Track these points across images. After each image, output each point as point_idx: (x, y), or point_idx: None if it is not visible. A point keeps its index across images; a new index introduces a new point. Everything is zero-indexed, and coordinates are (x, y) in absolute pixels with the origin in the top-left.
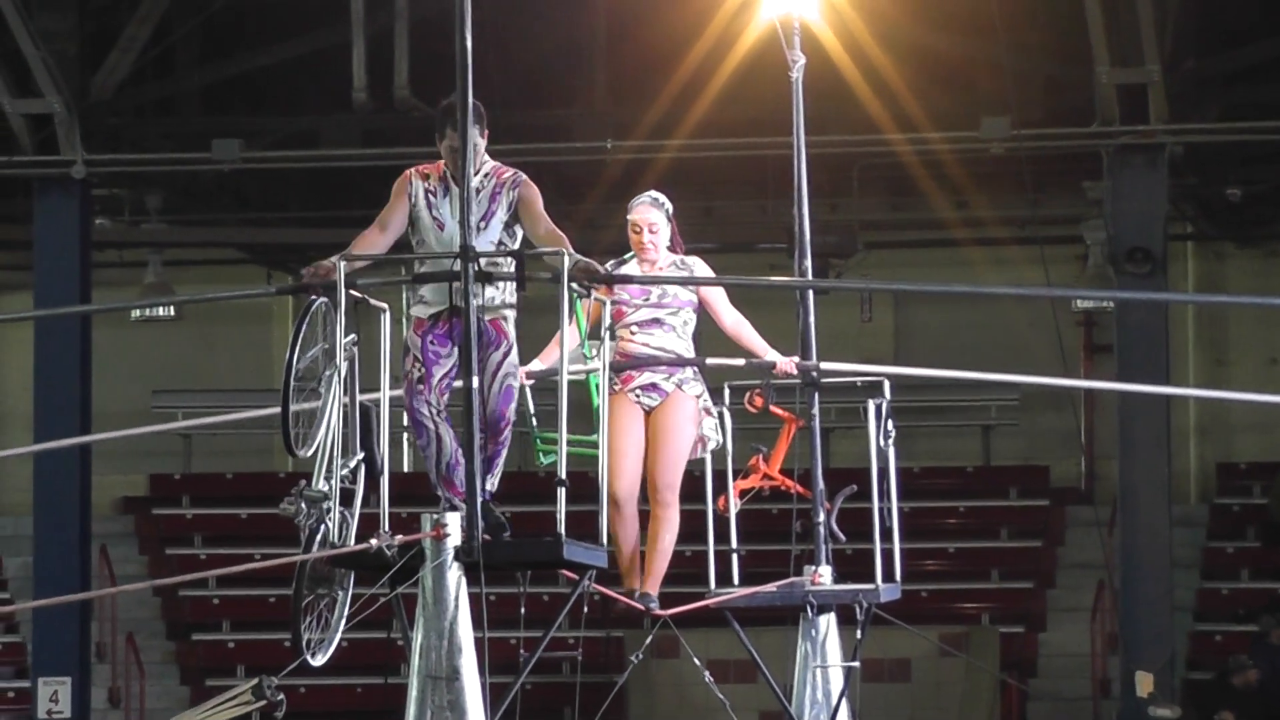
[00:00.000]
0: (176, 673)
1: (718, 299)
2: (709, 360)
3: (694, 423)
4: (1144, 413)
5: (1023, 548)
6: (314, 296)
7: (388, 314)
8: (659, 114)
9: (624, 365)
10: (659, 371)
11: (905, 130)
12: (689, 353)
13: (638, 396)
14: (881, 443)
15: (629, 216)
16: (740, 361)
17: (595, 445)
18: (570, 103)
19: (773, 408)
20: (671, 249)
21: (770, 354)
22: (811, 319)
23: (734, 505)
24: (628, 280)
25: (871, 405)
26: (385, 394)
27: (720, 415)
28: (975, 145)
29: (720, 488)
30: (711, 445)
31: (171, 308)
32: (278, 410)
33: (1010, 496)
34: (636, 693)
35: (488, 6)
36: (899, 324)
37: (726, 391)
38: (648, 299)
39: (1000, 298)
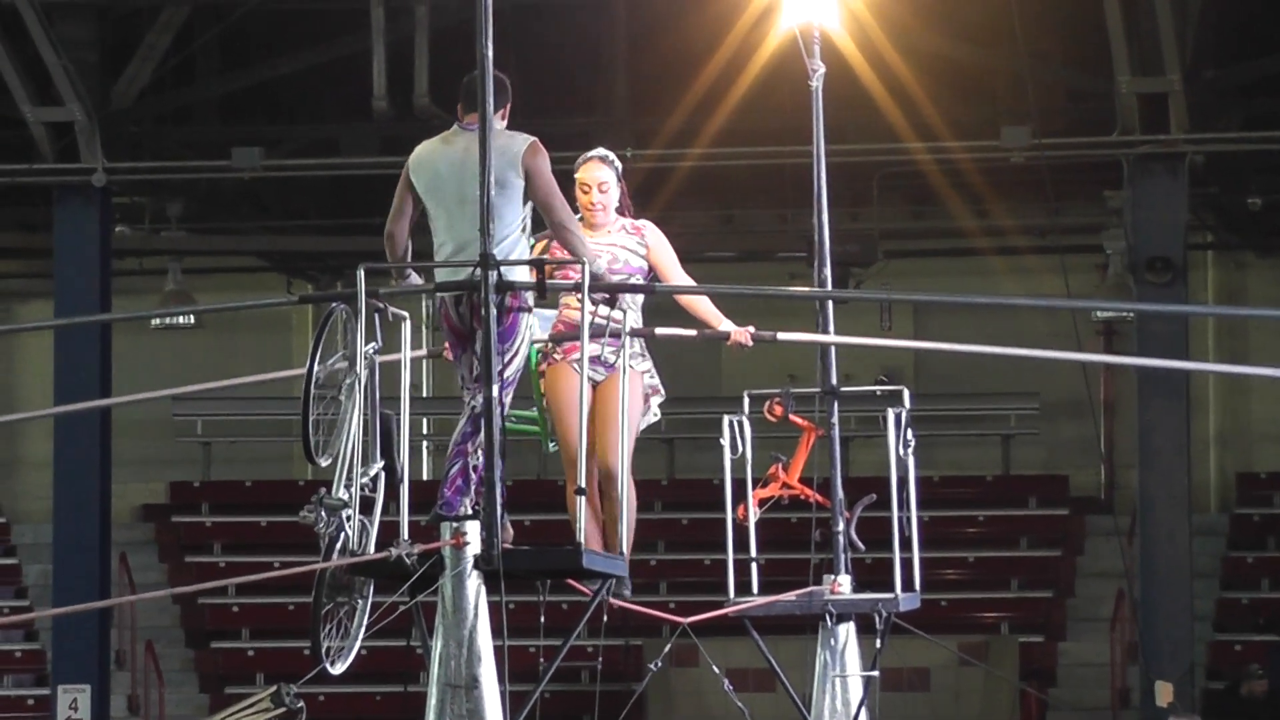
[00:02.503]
0: (196, 680)
1: (670, 265)
2: (659, 330)
3: (641, 399)
4: (1164, 422)
5: (1042, 557)
6: (334, 304)
7: (408, 322)
8: (679, 123)
9: (564, 336)
10: (605, 344)
11: (925, 139)
12: (637, 324)
13: (580, 369)
14: (901, 452)
15: (576, 175)
16: (693, 332)
17: (534, 422)
18: (590, 111)
19: (792, 416)
20: (621, 211)
21: (725, 324)
22: (831, 328)
23: (753, 514)
24: (648, 290)
25: (891, 414)
26: (405, 401)
27: (739, 424)
28: (996, 154)
29: (739, 496)
30: (649, 420)
31: (192, 315)
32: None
33: (1030, 506)
34: (655, 701)
35: (508, 15)
36: (918, 333)
37: (746, 400)
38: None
39: (1020, 307)
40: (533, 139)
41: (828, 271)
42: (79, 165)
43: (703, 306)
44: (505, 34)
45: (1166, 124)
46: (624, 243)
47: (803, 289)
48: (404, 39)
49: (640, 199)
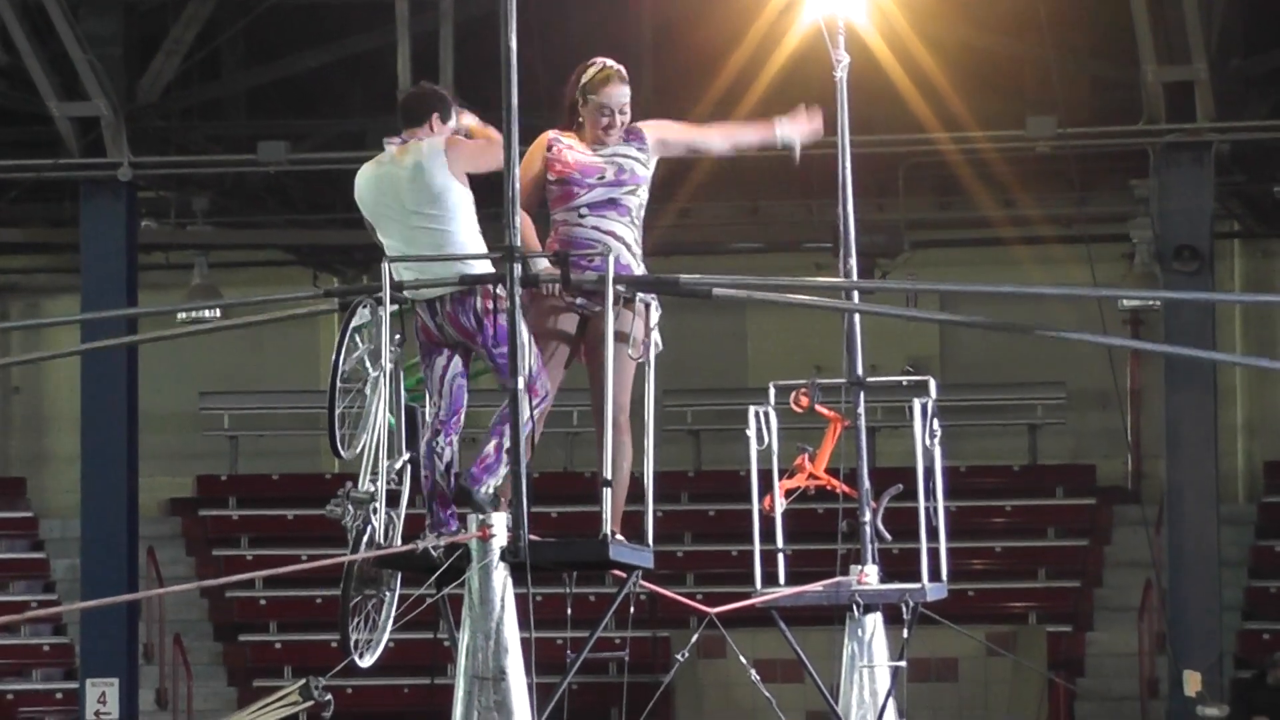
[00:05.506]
0: (224, 674)
1: (677, 135)
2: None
3: (642, 325)
4: (1191, 411)
5: (1070, 547)
6: (360, 299)
7: None
8: (704, 114)
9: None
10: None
11: (951, 129)
12: (638, 244)
13: (572, 300)
14: (927, 442)
15: (594, 97)
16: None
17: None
18: None
19: (818, 407)
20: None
21: (780, 126)
22: (857, 318)
23: (779, 505)
24: (674, 290)
25: (917, 404)
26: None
27: (766, 415)
28: (1021, 144)
29: (766, 487)
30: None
31: (218, 309)
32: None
33: (1057, 495)
34: (683, 693)
35: (533, 8)
36: (945, 323)
37: (772, 391)
38: (602, 178)
39: (1047, 297)
40: (446, 136)
41: (853, 262)
42: (105, 160)
43: (745, 138)
44: (529, 27)
45: (1193, 113)
46: (627, 153)
47: (828, 279)
48: (429, 32)
49: (666, 191)
